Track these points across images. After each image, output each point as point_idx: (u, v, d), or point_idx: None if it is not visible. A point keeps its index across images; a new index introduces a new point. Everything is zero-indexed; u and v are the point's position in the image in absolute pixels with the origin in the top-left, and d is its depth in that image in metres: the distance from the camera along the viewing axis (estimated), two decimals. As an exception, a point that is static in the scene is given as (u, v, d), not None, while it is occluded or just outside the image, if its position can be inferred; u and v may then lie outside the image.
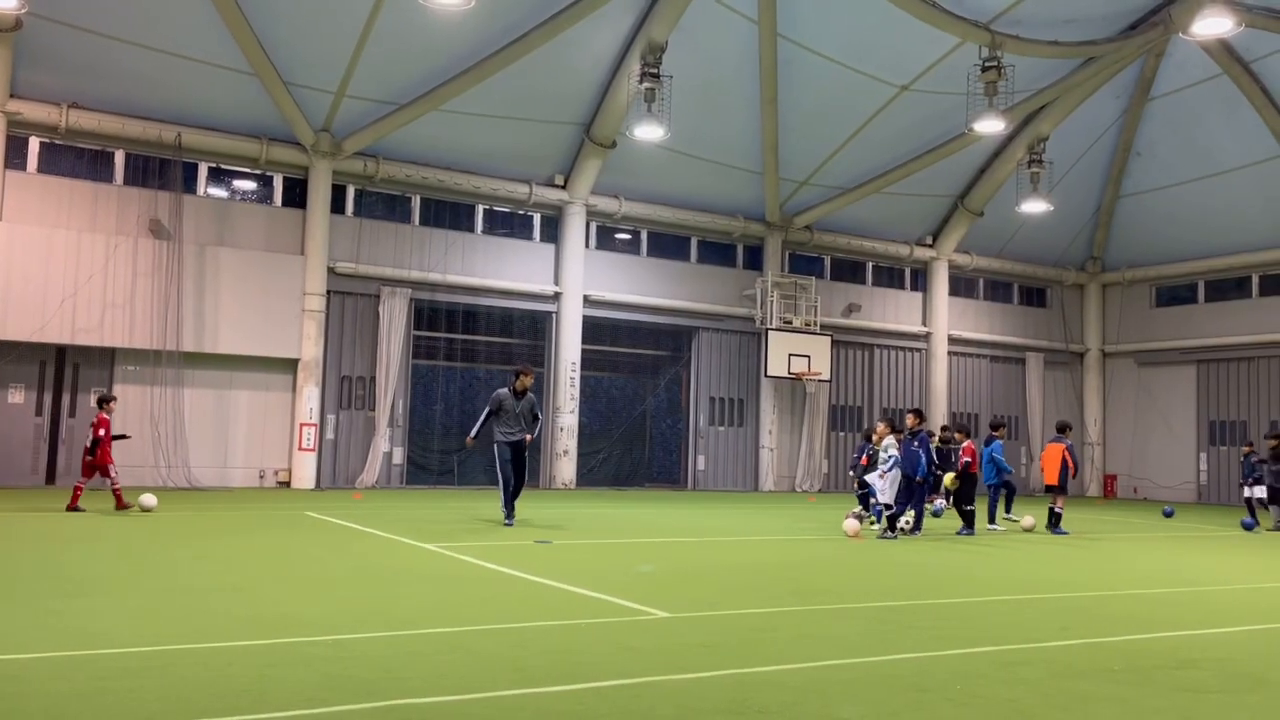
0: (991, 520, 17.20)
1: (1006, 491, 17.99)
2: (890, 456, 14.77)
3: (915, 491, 15.40)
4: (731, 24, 23.49)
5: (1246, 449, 20.98)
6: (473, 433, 14.95)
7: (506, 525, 14.25)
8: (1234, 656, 6.90)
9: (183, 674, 5.45)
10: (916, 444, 15.37)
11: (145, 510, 15.08)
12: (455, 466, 25.81)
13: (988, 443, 17.54)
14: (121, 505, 15.07)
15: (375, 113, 23.13)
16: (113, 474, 15.06)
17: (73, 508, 14.84)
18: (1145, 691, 5.76)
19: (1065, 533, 16.83)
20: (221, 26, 20.39)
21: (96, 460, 14.95)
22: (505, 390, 14.68)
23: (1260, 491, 19.53)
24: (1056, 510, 17.12)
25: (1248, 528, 18.87)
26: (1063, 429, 17.90)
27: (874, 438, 16.14)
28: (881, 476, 14.94)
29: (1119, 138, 29.94)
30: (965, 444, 17.09)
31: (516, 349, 26.90)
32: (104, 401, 15.59)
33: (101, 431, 15.00)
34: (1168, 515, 21.89)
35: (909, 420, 15.91)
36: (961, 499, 16.45)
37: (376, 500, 19.54)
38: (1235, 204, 29.53)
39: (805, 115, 25.96)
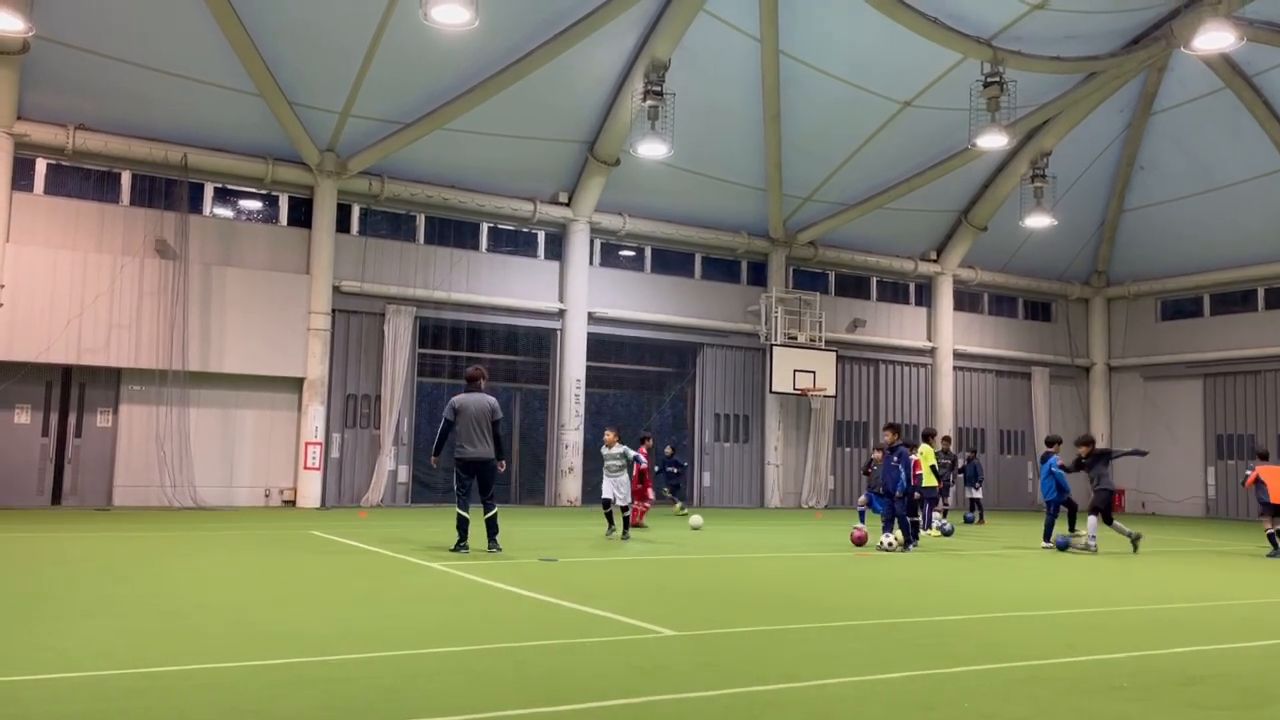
0: (1046, 538, 16.49)
1: (1069, 509, 17.15)
2: (620, 466, 15.62)
3: (897, 507, 15.18)
4: (734, 41, 23.59)
5: (970, 454, 24.82)
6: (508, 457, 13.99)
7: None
8: (1242, 672, 6.86)
9: (186, 695, 5.44)
10: (896, 459, 15.13)
11: (695, 529, 18.16)
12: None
13: (1044, 459, 17.07)
14: (636, 524, 18.26)
15: (380, 132, 23.24)
16: (648, 495, 19.45)
17: (636, 524, 18.06)
18: (1153, 708, 5.73)
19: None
20: (227, 48, 20.52)
21: (641, 485, 18.81)
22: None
23: (976, 492, 23.89)
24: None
25: (948, 533, 18.65)
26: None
27: (875, 450, 16.08)
28: (611, 478, 15.67)
29: (1122, 152, 29.97)
30: (913, 457, 16.44)
31: (521, 366, 26.93)
32: (642, 440, 19.90)
33: (644, 463, 18.91)
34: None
35: (887, 436, 15.66)
36: (909, 510, 15.92)
37: (381, 519, 19.52)
38: (1239, 217, 29.53)
39: (808, 131, 26.03)
